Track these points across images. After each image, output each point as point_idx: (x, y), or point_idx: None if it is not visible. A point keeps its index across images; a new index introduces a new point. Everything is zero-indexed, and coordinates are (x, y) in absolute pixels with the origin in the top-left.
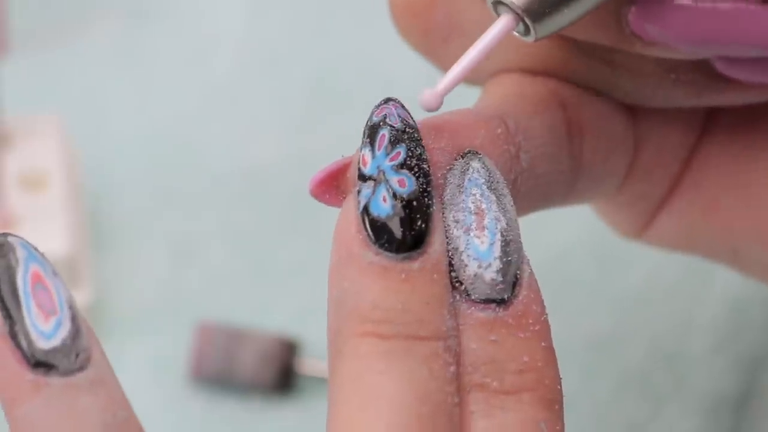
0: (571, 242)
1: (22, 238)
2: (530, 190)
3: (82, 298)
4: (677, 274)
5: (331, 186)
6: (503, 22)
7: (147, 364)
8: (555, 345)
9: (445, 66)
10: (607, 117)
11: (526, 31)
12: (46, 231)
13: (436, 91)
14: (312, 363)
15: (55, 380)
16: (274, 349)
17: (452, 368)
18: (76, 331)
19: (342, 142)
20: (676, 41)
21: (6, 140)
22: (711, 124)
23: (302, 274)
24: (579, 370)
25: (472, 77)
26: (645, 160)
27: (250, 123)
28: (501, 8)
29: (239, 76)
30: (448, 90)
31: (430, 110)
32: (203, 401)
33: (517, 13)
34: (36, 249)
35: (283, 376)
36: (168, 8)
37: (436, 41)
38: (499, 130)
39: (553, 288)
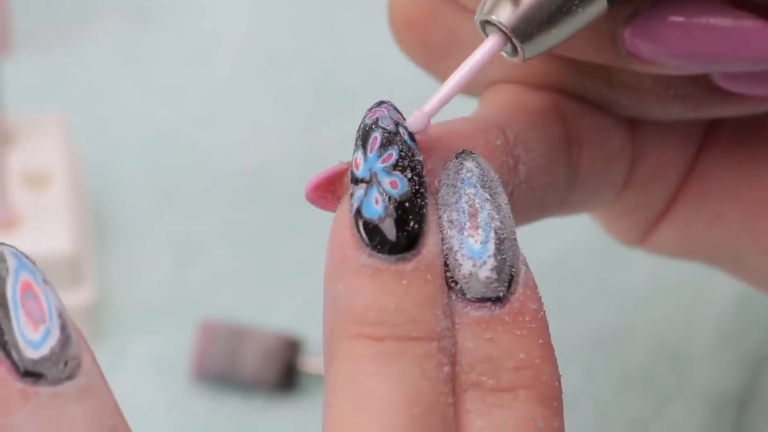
0: (575, 240)
1: (12, 247)
2: (526, 201)
3: (84, 296)
4: (681, 271)
5: (327, 191)
6: (491, 42)
7: (150, 363)
8: (558, 342)
9: (445, 79)
10: (606, 129)
11: (514, 51)
12: (49, 229)
13: (423, 111)
14: (315, 361)
15: (43, 389)
16: (276, 347)
17: (446, 368)
18: (65, 340)
19: (345, 141)
20: (673, 59)
21: (9, 139)
22: (711, 135)
23: (305, 273)
24: (582, 368)
25: (468, 88)
26: (644, 171)
27: (253, 123)
28: (489, 28)
29: (242, 76)
30: (435, 111)
31: (416, 131)
32: (206, 399)
33: (505, 33)
34: (27, 257)
35: (285, 374)
36: (170, 8)
37: (436, 56)
38: (499, 142)
39: (557, 285)
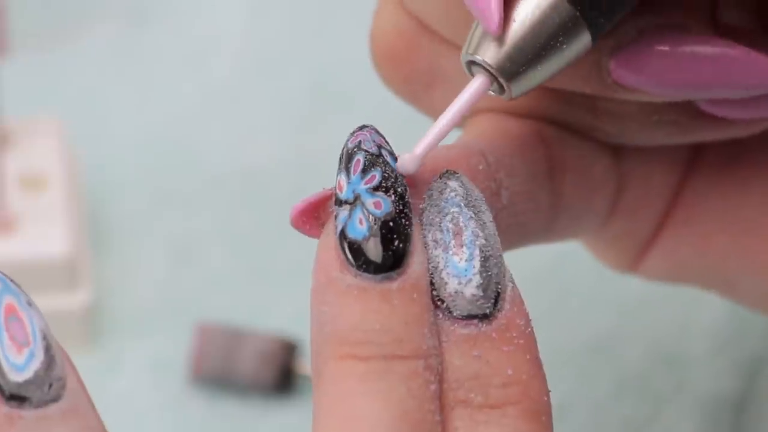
0: (572, 245)
1: None
2: (509, 227)
3: (81, 299)
4: None
5: (311, 217)
6: (478, 82)
7: (147, 365)
8: (554, 347)
9: (429, 112)
10: (589, 156)
11: (501, 90)
12: (46, 232)
13: (413, 154)
14: None
15: (28, 412)
16: (273, 350)
17: (433, 387)
18: (49, 362)
19: (341, 143)
20: (659, 88)
21: (6, 141)
22: (697, 160)
23: (301, 275)
24: (578, 373)
25: None
26: (630, 198)
27: (250, 124)
28: (475, 68)
29: (238, 78)
30: (425, 153)
31: (406, 173)
32: (203, 402)
33: (492, 73)
34: (12, 280)
35: (282, 376)
36: (167, 10)
37: (419, 88)
38: (481, 167)
39: (553, 290)
